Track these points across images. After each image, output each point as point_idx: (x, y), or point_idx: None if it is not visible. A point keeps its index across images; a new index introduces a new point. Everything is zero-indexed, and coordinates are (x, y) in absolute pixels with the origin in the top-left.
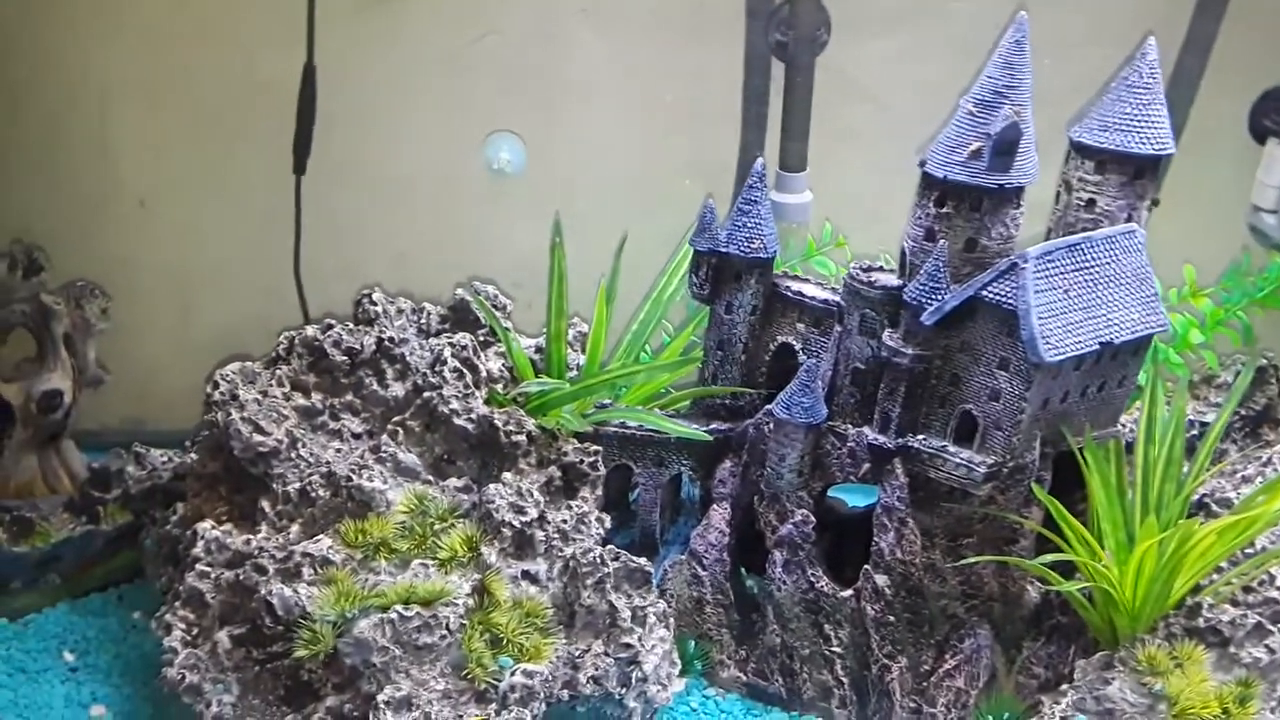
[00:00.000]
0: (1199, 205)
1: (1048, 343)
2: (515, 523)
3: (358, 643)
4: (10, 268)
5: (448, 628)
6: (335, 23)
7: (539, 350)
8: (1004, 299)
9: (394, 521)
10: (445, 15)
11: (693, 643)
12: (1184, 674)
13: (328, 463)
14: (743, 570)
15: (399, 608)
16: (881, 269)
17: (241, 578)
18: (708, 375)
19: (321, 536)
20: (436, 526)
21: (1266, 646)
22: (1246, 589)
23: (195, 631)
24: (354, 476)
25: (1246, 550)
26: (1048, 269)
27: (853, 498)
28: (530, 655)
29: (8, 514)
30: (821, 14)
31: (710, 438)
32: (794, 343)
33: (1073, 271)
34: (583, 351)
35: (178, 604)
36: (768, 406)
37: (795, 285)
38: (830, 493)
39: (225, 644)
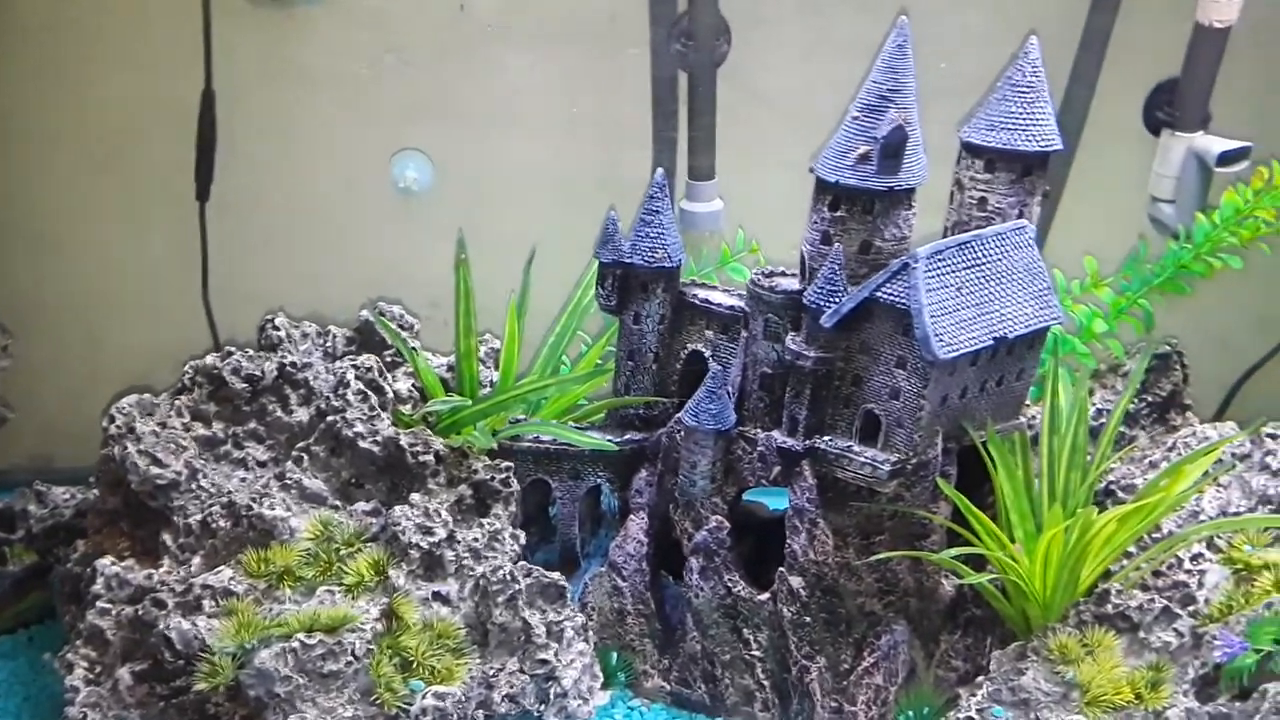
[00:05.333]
0: (1101, 198)
1: (941, 340)
2: (423, 544)
3: (260, 673)
4: None
5: (354, 654)
6: (232, 47)
7: (451, 369)
8: (897, 299)
9: (299, 549)
10: (343, 37)
11: (615, 654)
12: (1095, 661)
13: (229, 492)
14: (668, 577)
15: (301, 636)
16: (784, 274)
17: (141, 613)
18: (620, 386)
19: (223, 567)
20: (343, 552)
21: (1175, 630)
22: (1156, 573)
23: (98, 669)
24: (254, 505)
25: (1155, 535)
26: (939, 267)
27: (774, 501)
28: (442, 677)
29: None
30: (720, 24)
31: (616, 448)
32: (704, 350)
33: (964, 269)
34: (497, 368)
35: (79, 642)
36: (678, 415)
37: (702, 293)
38: (752, 496)
39: (127, 681)
